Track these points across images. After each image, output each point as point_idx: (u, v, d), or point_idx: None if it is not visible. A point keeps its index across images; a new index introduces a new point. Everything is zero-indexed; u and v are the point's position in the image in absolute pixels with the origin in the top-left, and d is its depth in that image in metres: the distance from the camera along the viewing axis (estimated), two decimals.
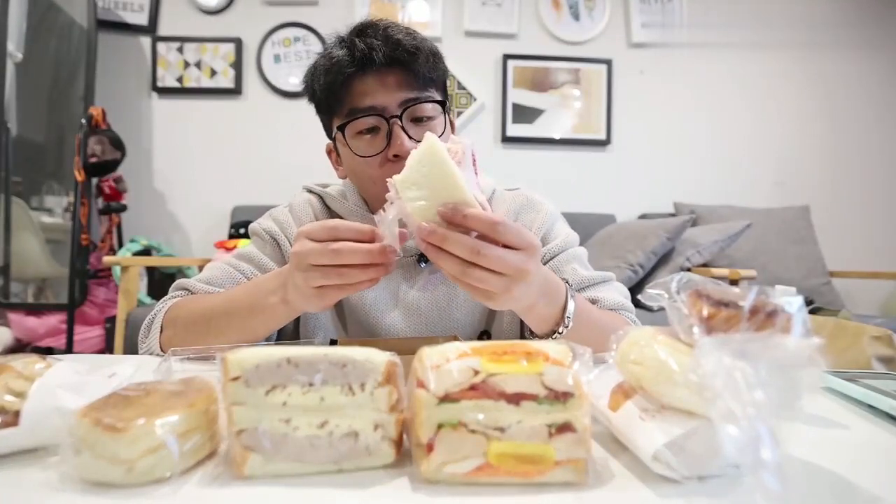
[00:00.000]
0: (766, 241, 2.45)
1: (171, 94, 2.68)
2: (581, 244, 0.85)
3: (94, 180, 2.36)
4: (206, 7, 2.67)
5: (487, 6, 2.77)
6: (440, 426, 0.33)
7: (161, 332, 0.72)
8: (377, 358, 0.36)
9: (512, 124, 2.79)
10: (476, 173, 0.54)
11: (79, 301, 2.23)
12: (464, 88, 2.77)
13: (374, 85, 0.74)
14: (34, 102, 2.49)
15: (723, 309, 0.33)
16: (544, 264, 0.79)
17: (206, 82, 2.68)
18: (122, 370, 0.46)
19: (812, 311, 1.28)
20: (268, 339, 0.75)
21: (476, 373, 0.33)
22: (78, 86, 2.39)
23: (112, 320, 2.07)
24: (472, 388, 0.33)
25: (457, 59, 2.72)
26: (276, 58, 2.72)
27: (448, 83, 0.84)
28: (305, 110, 0.86)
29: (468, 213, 0.48)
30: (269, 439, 0.33)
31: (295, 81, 2.70)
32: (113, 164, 2.35)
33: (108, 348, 2.19)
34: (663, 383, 0.34)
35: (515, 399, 0.33)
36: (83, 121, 2.26)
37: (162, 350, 0.71)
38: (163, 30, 2.68)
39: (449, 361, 0.34)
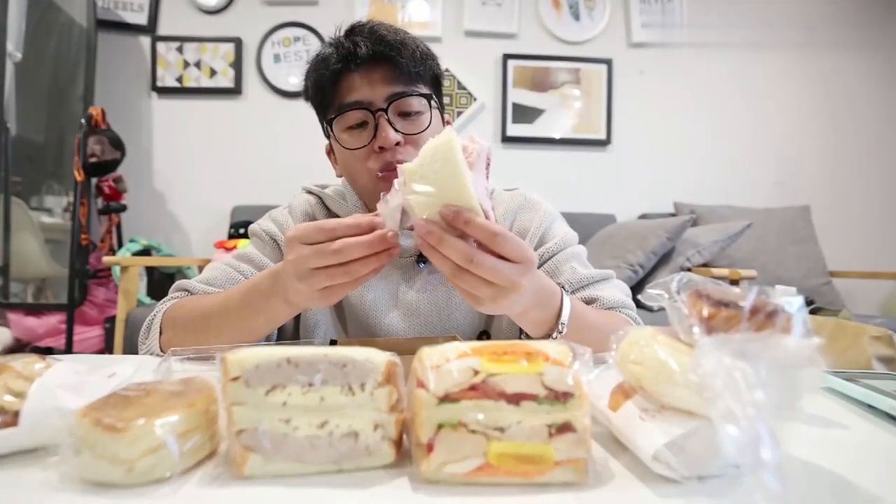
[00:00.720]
0: (767, 241, 2.45)
1: (171, 93, 2.68)
2: (581, 244, 0.85)
3: (94, 180, 2.36)
4: (206, 7, 2.67)
5: (487, 6, 2.77)
6: (440, 426, 0.33)
7: (161, 333, 0.72)
8: (377, 358, 0.36)
9: (512, 124, 2.79)
10: (487, 177, 0.54)
11: (78, 301, 2.23)
12: (464, 88, 2.77)
13: (360, 81, 0.75)
14: (34, 102, 2.48)
15: (723, 309, 0.33)
16: (543, 263, 0.80)
17: (206, 82, 2.68)
18: (122, 370, 0.46)
19: (812, 311, 1.28)
20: (268, 339, 0.75)
21: (476, 373, 0.33)
22: (77, 85, 2.39)
23: (112, 320, 2.07)
24: (472, 388, 0.33)
25: (457, 58, 2.73)
26: (276, 58, 2.72)
27: (444, 82, 0.84)
28: (305, 110, 0.86)
29: (469, 219, 0.48)
30: (269, 439, 0.33)
31: (295, 81, 2.70)
32: (112, 164, 2.35)
33: (107, 348, 2.19)
34: (663, 383, 0.34)
35: (515, 399, 0.33)
36: (83, 121, 2.26)
37: (162, 351, 0.71)
38: (162, 29, 2.68)
39: (449, 361, 0.34)
